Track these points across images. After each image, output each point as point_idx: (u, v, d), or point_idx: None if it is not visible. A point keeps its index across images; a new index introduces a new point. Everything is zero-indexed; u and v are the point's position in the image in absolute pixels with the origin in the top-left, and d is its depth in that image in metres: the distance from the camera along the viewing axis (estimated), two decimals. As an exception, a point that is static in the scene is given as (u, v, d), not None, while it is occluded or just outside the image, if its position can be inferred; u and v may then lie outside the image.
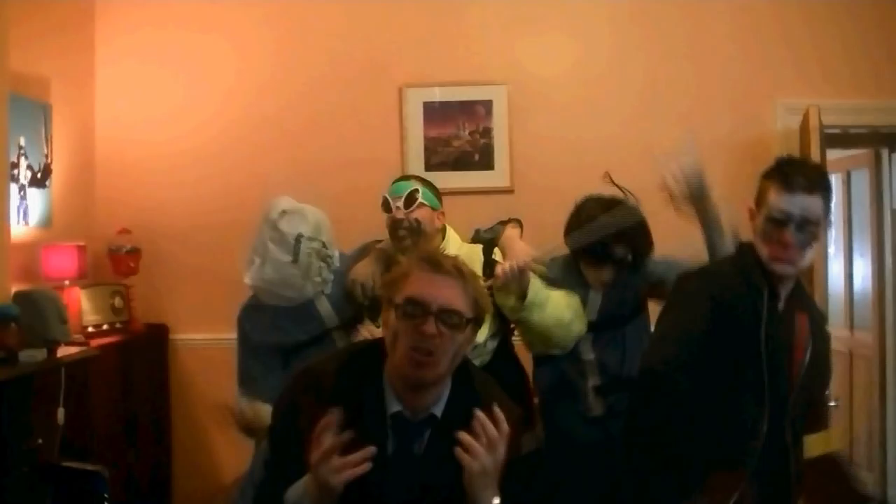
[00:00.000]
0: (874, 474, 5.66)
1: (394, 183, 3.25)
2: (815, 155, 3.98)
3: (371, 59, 4.72)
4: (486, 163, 4.44)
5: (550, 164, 4.62)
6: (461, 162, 4.61)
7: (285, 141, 4.71)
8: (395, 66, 4.71)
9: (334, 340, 3.17)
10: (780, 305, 2.48)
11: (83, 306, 4.25)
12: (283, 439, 2.11)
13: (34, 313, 3.41)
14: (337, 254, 3.29)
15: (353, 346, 2.32)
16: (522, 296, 3.01)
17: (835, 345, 5.92)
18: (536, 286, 3.02)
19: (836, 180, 6.17)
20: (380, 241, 3.35)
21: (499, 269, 2.97)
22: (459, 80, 4.67)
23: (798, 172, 2.42)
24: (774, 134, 4.57)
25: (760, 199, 2.47)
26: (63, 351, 3.54)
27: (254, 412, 2.97)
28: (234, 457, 4.23)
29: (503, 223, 3.36)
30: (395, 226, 3.14)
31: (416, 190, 3.15)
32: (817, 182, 2.43)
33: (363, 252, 3.36)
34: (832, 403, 3.81)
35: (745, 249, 2.53)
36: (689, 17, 4.68)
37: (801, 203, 2.37)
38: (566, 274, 3.21)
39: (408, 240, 3.13)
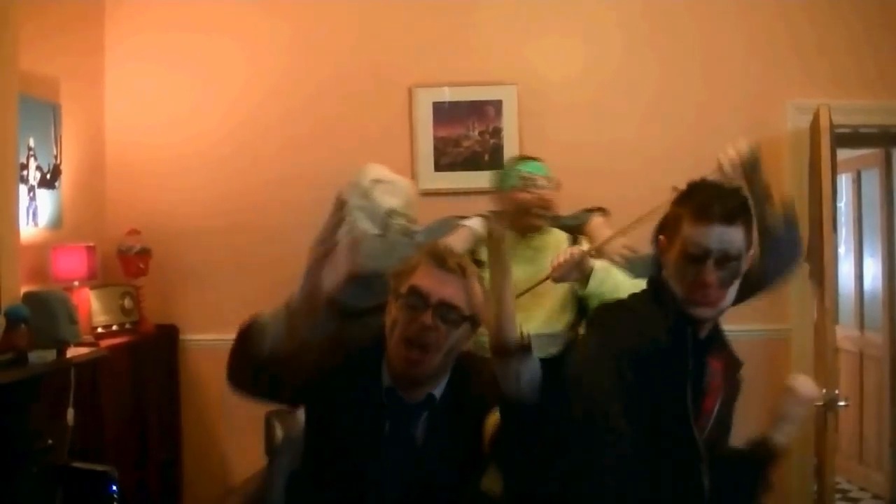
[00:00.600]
0: (883, 474, 5.65)
1: (523, 161, 3.19)
2: (825, 155, 3.96)
3: (380, 59, 4.71)
4: (496, 163, 4.41)
5: (560, 164, 4.55)
6: (470, 162, 4.60)
7: (295, 142, 4.70)
8: (405, 66, 4.70)
9: None
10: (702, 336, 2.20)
11: (93, 307, 4.25)
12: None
13: (44, 314, 3.41)
14: (420, 229, 3.23)
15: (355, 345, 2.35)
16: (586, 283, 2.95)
17: (845, 345, 5.98)
18: (602, 276, 2.91)
19: (846, 180, 6.17)
20: (460, 218, 3.32)
21: (555, 261, 2.89)
22: (469, 80, 4.66)
23: (714, 200, 2.11)
24: (785, 134, 4.56)
25: (672, 230, 2.17)
26: (73, 352, 3.53)
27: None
28: (245, 457, 4.24)
29: (588, 211, 3.34)
30: (536, 204, 3.12)
31: (554, 175, 3.13)
32: (737, 210, 2.12)
33: (443, 226, 3.32)
34: (842, 403, 3.81)
35: (658, 286, 2.23)
36: (699, 19, 4.66)
37: (719, 236, 2.07)
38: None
39: (542, 219, 3.14)
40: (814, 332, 4.48)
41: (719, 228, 2.07)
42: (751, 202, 2.40)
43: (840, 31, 4.63)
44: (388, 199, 3.09)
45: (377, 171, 3.19)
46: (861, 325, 6.01)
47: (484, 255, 3.14)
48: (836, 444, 3.97)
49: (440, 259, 2.18)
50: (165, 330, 4.65)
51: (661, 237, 2.24)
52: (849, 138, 4.90)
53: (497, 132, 4.63)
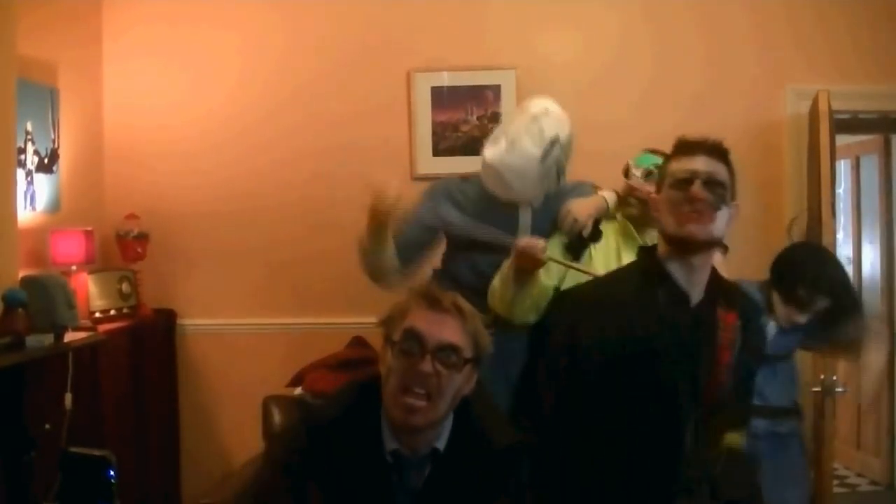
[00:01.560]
0: (881, 461, 5.66)
1: (655, 153, 3.21)
2: (824, 140, 3.95)
3: (379, 44, 4.69)
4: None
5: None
6: (469, 147, 4.56)
7: (293, 127, 4.69)
8: (404, 50, 4.68)
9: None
10: (692, 301, 2.22)
11: (91, 291, 4.25)
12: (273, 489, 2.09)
13: (42, 298, 3.41)
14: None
15: (353, 385, 2.22)
16: None
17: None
18: None
19: (845, 166, 6.17)
20: (596, 186, 3.39)
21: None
22: (468, 64, 4.64)
23: (696, 141, 2.23)
24: (784, 119, 4.55)
25: (661, 181, 2.28)
26: (71, 336, 3.52)
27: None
28: (243, 440, 4.26)
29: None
30: (630, 192, 3.21)
31: (658, 167, 3.10)
32: (718, 149, 2.22)
33: (582, 188, 3.39)
34: (839, 389, 3.81)
35: (644, 253, 2.34)
36: (698, 3, 4.64)
37: (704, 162, 2.17)
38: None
39: (633, 209, 3.19)
40: (812, 318, 4.48)
41: (703, 158, 2.18)
42: None
43: (840, 16, 4.61)
44: (555, 129, 3.19)
45: (546, 101, 3.29)
46: (860, 312, 6.01)
47: (604, 225, 3.24)
48: (834, 430, 3.97)
49: (434, 300, 2.06)
50: (163, 314, 4.66)
51: (652, 196, 2.35)
52: (848, 124, 4.89)
53: (496, 117, 4.60)
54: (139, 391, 4.32)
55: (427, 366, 1.96)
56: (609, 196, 3.29)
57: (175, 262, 4.70)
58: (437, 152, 4.57)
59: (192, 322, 4.67)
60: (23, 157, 3.87)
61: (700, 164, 2.16)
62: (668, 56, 4.64)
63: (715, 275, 2.27)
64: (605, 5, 4.69)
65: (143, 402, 4.35)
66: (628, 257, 3.02)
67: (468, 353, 2.03)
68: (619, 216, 3.26)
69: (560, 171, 3.26)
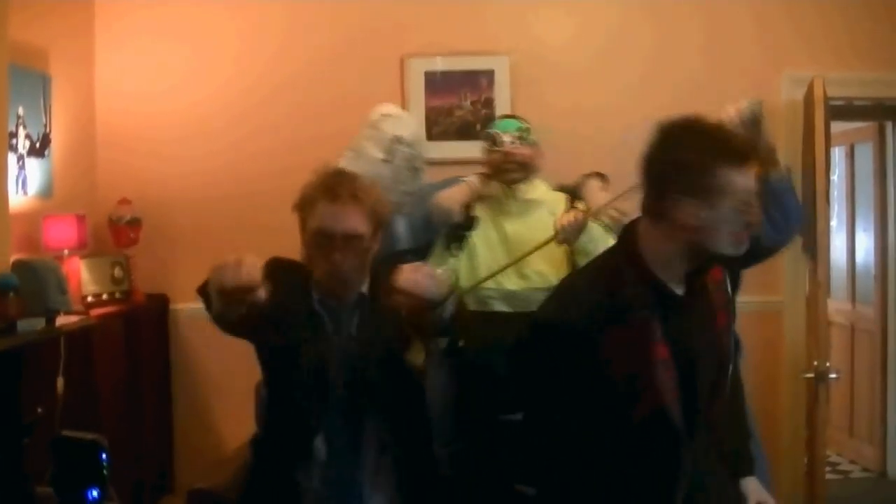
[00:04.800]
0: (874, 448, 5.68)
1: (500, 119, 3.33)
2: (819, 126, 3.94)
3: (373, 29, 4.68)
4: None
5: (553, 135, 4.58)
6: (462, 132, 4.58)
7: (286, 112, 4.68)
8: (397, 36, 4.67)
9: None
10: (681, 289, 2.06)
11: (83, 276, 4.24)
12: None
13: (34, 283, 3.39)
14: (423, 170, 3.39)
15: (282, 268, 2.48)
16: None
17: (837, 318, 5.99)
18: (590, 233, 3.06)
19: (840, 153, 6.16)
20: (464, 178, 3.40)
21: (558, 224, 3.02)
22: (461, 50, 4.63)
23: (749, 149, 2.03)
24: (779, 105, 4.54)
25: (706, 192, 1.97)
26: (63, 321, 3.52)
27: None
28: (236, 425, 4.25)
29: (587, 176, 3.39)
30: (505, 160, 3.20)
31: (528, 128, 3.23)
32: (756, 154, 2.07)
33: (445, 182, 3.43)
34: (833, 376, 3.81)
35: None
36: (694, -13, 4.63)
37: (753, 175, 1.98)
38: None
39: (517, 173, 3.21)
40: (806, 305, 4.49)
41: (753, 169, 1.99)
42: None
43: (836, 3, 4.61)
44: (396, 129, 3.26)
45: (387, 107, 3.38)
46: (853, 299, 6.02)
47: (478, 210, 3.28)
48: (826, 416, 3.98)
49: (333, 194, 2.36)
50: (156, 299, 4.65)
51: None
52: (843, 111, 4.89)
53: (489, 102, 4.60)
54: (132, 376, 4.31)
55: (338, 255, 2.32)
56: (472, 180, 3.35)
57: (168, 248, 4.69)
58: (430, 137, 4.55)
59: (185, 307, 4.65)
60: (14, 141, 3.86)
61: (753, 179, 1.98)
62: (664, 42, 4.64)
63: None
64: (601, -8, 4.68)
65: (136, 387, 4.34)
66: (512, 226, 3.19)
67: (370, 230, 2.38)
68: (495, 189, 3.29)
69: (416, 170, 3.32)
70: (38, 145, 4.04)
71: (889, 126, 5.58)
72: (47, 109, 4.13)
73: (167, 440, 4.70)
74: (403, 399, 2.44)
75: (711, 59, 4.60)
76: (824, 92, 3.98)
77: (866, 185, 5.88)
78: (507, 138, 3.21)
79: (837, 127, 5.28)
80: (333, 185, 2.38)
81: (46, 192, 4.12)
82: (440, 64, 4.64)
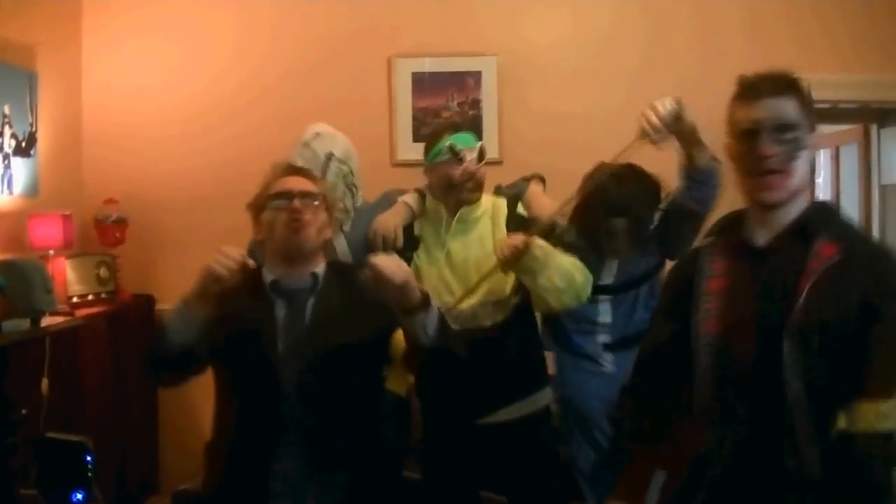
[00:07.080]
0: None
1: (455, 133, 3.13)
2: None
3: (360, 29, 4.69)
4: (475, 134, 4.42)
5: (540, 136, 4.60)
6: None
7: (273, 112, 4.67)
8: (385, 36, 4.68)
9: None
10: (764, 242, 2.05)
11: (69, 276, 4.22)
12: None
13: (19, 283, 3.37)
14: (359, 189, 3.34)
15: None
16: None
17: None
18: (534, 254, 2.86)
19: (825, 156, 6.17)
20: (402, 192, 3.32)
21: (498, 251, 2.86)
22: (449, 51, 4.64)
23: (759, 79, 2.06)
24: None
25: (729, 130, 2.11)
26: (48, 321, 3.49)
27: None
28: (221, 428, 4.23)
29: (526, 179, 3.34)
30: (464, 177, 3.06)
31: (484, 146, 3.14)
32: (784, 83, 2.05)
33: (385, 201, 3.34)
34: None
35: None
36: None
37: (768, 107, 2.00)
38: (581, 239, 3.20)
39: (474, 193, 3.11)
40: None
41: (767, 101, 2.01)
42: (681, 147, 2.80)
43: (821, 6, 4.64)
44: (328, 147, 3.26)
45: (319, 126, 3.36)
46: (838, 300, 6.03)
47: (419, 229, 3.19)
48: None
49: (290, 169, 2.69)
50: (142, 299, 4.64)
51: (726, 142, 2.16)
52: (828, 113, 4.91)
53: (476, 103, 4.61)
54: (118, 377, 4.29)
55: (297, 204, 2.51)
56: (411, 198, 3.25)
57: (154, 248, 4.69)
58: (417, 138, 4.55)
59: (171, 307, 4.62)
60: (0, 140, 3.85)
61: (762, 109, 2.00)
62: (654, 42, 4.66)
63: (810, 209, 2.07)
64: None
65: (122, 387, 4.32)
66: (455, 244, 3.09)
67: (320, 197, 2.60)
68: (436, 207, 3.18)
69: (350, 186, 3.28)
70: (23, 144, 4.03)
71: (874, 129, 5.59)
72: (33, 108, 4.12)
73: (153, 441, 4.69)
74: (354, 397, 2.50)
75: (700, 62, 4.61)
76: (809, 95, 3.99)
77: (851, 188, 5.89)
78: (469, 155, 3.07)
79: (822, 129, 5.29)
80: (288, 168, 2.70)
81: (32, 191, 4.10)
82: (427, 65, 4.65)
